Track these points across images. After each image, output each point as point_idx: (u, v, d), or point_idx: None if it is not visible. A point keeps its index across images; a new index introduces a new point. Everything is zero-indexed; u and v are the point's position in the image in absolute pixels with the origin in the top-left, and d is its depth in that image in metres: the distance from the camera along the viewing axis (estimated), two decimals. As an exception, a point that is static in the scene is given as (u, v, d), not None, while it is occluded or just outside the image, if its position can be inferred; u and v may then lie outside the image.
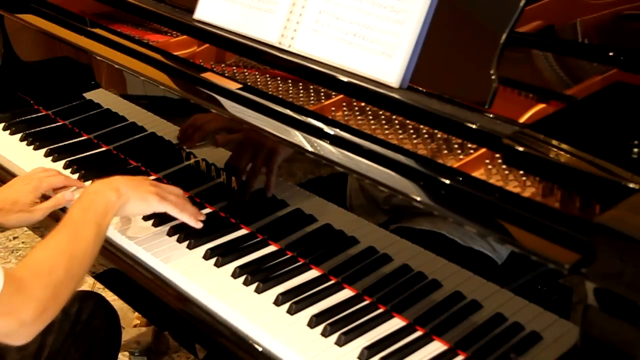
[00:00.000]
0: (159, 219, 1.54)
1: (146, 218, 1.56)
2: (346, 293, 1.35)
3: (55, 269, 1.24)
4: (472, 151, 1.22)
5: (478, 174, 1.17)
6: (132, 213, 1.44)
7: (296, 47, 1.46)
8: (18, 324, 1.18)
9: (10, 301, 1.15)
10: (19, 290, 1.17)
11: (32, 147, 1.89)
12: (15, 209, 1.51)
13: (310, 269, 1.41)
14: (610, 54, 1.38)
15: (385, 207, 1.31)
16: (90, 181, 1.69)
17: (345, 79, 1.38)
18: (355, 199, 1.35)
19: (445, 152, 1.24)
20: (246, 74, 1.56)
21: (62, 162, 1.81)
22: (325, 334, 1.25)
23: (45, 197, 1.59)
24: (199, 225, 1.47)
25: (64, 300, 1.25)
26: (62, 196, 1.56)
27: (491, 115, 1.22)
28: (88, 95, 1.94)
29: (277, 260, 1.43)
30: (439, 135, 1.28)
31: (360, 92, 1.37)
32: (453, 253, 1.21)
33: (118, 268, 1.50)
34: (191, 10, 1.65)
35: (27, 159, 1.84)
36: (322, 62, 1.42)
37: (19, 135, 1.94)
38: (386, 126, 1.34)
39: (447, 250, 1.22)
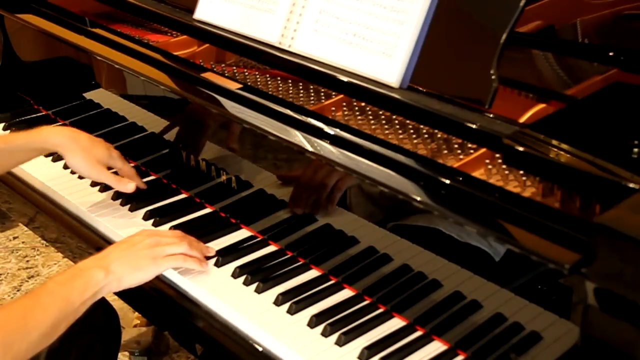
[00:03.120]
0: (160, 219, 1.55)
1: (146, 218, 1.57)
2: (346, 293, 1.35)
3: (3, 328, 1.15)
4: (472, 151, 1.22)
5: (478, 174, 1.17)
6: (132, 284, 1.33)
7: (296, 47, 1.46)
8: None
9: None
10: None
11: (32, 147, 1.88)
12: (84, 153, 1.54)
13: (310, 269, 1.41)
14: (610, 54, 1.38)
15: (381, 203, 1.31)
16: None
17: (345, 79, 1.38)
18: (355, 198, 1.35)
19: (445, 152, 1.24)
20: (246, 74, 1.56)
21: (62, 162, 1.80)
22: (325, 334, 1.25)
23: None
24: (206, 269, 1.41)
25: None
26: (125, 183, 1.57)
27: (491, 115, 1.22)
28: (88, 95, 1.94)
29: (277, 260, 1.43)
30: (439, 135, 1.28)
31: (360, 92, 1.37)
32: (450, 249, 1.21)
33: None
34: (191, 10, 1.65)
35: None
36: (322, 62, 1.42)
37: (19, 135, 1.94)
38: (386, 126, 1.34)
39: (444, 246, 1.21)
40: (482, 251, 1.16)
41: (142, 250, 1.35)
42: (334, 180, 1.35)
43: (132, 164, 1.79)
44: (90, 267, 1.29)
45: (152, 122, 1.76)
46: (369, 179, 1.25)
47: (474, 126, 1.21)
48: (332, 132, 1.33)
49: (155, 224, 1.54)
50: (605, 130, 1.18)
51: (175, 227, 1.51)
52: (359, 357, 1.21)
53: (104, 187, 1.67)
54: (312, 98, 1.45)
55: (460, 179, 1.16)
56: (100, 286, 1.27)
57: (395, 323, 1.27)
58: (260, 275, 1.38)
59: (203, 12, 1.63)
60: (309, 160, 1.37)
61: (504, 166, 1.17)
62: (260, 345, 1.26)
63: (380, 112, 1.37)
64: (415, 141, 1.29)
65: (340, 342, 1.23)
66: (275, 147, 1.44)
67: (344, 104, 1.41)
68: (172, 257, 1.37)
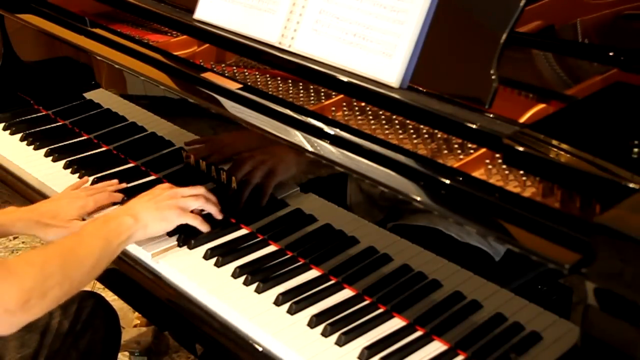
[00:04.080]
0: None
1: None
2: (346, 293, 1.35)
3: (49, 263, 1.24)
4: (472, 151, 1.22)
5: (478, 174, 1.17)
6: (155, 233, 1.44)
7: (296, 47, 1.46)
8: (1, 308, 1.17)
9: None
10: (7, 275, 1.18)
11: (32, 147, 1.89)
12: (53, 223, 1.51)
13: (311, 269, 1.41)
14: (610, 54, 1.38)
15: (382, 203, 1.31)
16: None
17: (345, 79, 1.38)
18: (354, 197, 1.35)
19: (445, 152, 1.24)
20: (246, 74, 1.56)
21: (62, 162, 1.81)
22: (325, 334, 1.25)
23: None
24: (220, 216, 1.51)
25: (53, 299, 1.24)
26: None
27: (491, 115, 1.22)
28: (88, 95, 1.94)
29: (277, 260, 1.43)
30: (439, 135, 1.28)
31: (361, 92, 1.37)
32: (450, 249, 1.21)
33: (118, 268, 1.50)
34: (191, 10, 1.65)
35: (27, 159, 1.84)
36: (322, 62, 1.42)
37: (19, 135, 1.94)
38: (386, 126, 1.34)
39: (444, 246, 1.22)
40: (482, 251, 1.16)
41: (164, 201, 1.44)
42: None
43: (132, 164, 1.79)
44: (120, 214, 1.41)
45: (152, 122, 1.76)
46: (369, 179, 1.25)
47: (474, 126, 1.21)
48: (332, 132, 1.33)
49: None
50: (605, 130, 1.18)
51: (175, 227, 1.51)
52: (359, 357, 1.21)
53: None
54: (312, 98, 1.45)
55: (460, 179, 1.16)
56: (131, 231, 1.38)
57: (395, 323, 1.27)
58: (260, 275, 1.38)
59: (203, 12, 1.63)
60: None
61: (504, 166, 1.16)
62: (260, 345, 1.26)
63: (380, 112, 1.37)
64: (415, 141, 1.29)
65: (340, 342, 1.23)
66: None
67: (344, 104, 1.41)
68: (191, 215, 1.46)
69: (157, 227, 1.43)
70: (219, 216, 1.50)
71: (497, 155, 1.19)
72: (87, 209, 1.56)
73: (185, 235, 1.49)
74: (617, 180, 1.02)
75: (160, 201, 1.45)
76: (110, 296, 1.73)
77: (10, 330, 1.22)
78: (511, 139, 1.13)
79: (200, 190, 1.50)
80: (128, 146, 1.83)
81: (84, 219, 1.55)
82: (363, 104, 1.39)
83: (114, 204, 1.62)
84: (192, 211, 1.48)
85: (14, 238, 3.06)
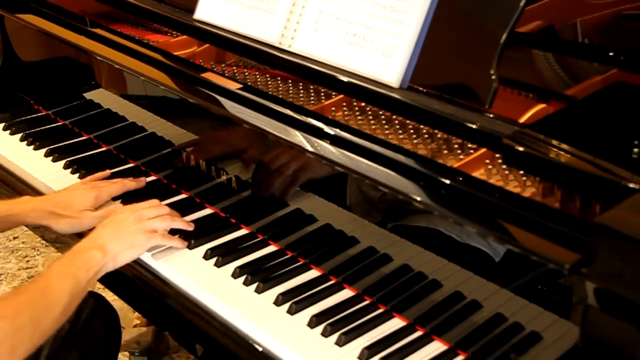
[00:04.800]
0: (159, 219, 1.55)
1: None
2: (346, 293, 1.35)
3: (19, 317, 1.19)
4: (472, 151, 1.22)
5: (478, 174, 1.17)
6: (125, 262, 1.39)
7: (296, 47, 1.46)
8: None
9: None
10: None
11: (32, 147, 1.89)
12: (66, 213, 1.49)
13: (311, 269, 1.41)
14: (610, 54, 1.38)
15: (381, 206, 1.31)
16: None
17: (345, 79, 1.38)
18: (354, 199, 1.35)
19: (445, 152, 1.24)
20: (246, 74, 1.56)
21: (62, 162, 1.81)
22: (325, 334, 1.25)
23: None
24: (191, 227, 1.48)
25: (23, 352, 1.18)
26: (113, 208, 1.54)
27: (491, 115, 1.22)
28: (88, 95, 1.94)
29: (277, 260, 1.43)
30: (439, 135, 1.28)
31: (360, 92, 1.37)
32: (450, 250, 1.21)
33: (118, 269, 1.50)
34: (191, 10, 1.65)
35: (27, 159, 1.84)
36: (322, 62, 1.42)
37: (19, 135, 1.94)
38: (386, 126, 1.34)
39: (444, 247, 1.22)
40: (482, 251, 1.16)
41: (129, 227, 1.40)
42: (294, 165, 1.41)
43: (132, 164, 1.79)
44: (87, 248, 1.34)
45: (152, 122, 1.76)
46: (369, 179, 1.25)
47: (474, 126, 1.21)
48: (332, 132, 1.33)
49: (155, 224, 1.54)
50: (605, 130, 1.18)
51: (175, 227, 1.51)
52: (359, 357, 1.21)
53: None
54: (312, 98, 1.45)
55: (460, 179, 1.16)
56: (100, 265, 1.33)
57: (395, 323, 1.27)
58: (260, 275, 1.38)
59: (203, 12, 1.63)
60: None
61: (504, 166, 1.16)
62: (260, 345, 1.26)
63: (380, 112, 1.37)
64: (415, 141, 1.29)
65: (340, 342, 1.23)
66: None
67: (344, 104, 1.41)
68: (159, 236, 1.43)
69: (126, 256, 1.38)
70: (189, 228, 1.47)
71: (497, 155, 1.18)
72: (100, 200, 1.55)
73: (185, 235, 1.48)
74: (617, 180, 1.02)
75: (125, 227, 1.39)
76: (110, 296, 1.73)
77: None
78: (511, 139, 1.13)
79: (164, 208, 1.47)
80: (128, 146, 1.83)
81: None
82: (363, 104, 1.39)
83: (125, 199, 1.61)
84: None
85: (14, 238, 3.06)
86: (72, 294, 1.27)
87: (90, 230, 1.45)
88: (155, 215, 1.45)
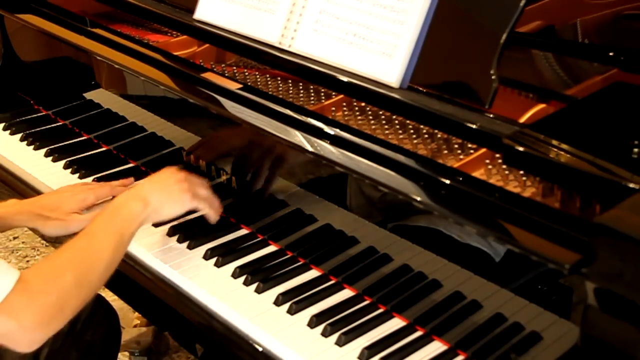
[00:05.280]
0: (159, 219, 1.55)
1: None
2: (346, 293, 1.35)
3: (63, 276, 1.21)
4: (472, 151, 1.22)
5: (478, 174, 1.17)
6: (167, 217, 1.41)
7: (296, 47, 1.46)
8: (18, 326, 1.16)
9: (14, 302, 1.14)
10: (23, 292, 1.15)
11: (32, 147, 1.89)
12: (53, 215, 1.48)
13: (310, 269, 1.41)
14: (610, 54, 1.38)
15: (381, 206, 1.31)
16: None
17: (345, 79, 1.38)
18: (355, 199, 1.35)
19: (445, 152, 1.24)
20: (246, 74, 1.56)
21: (62, 162, 1.81)
22: (325, 334, 1.25)
23: None
24: (216, 220, 1.47)
25: (71, 310, 1.22)
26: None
27: (491, 115, 1.22)
28: (88, 95, 1.94)
29: (277, 260, 1.43)
30: (439, 135, 1.28)
31: (361, 92, 1.37)
32: (451, 250, 1.21)
33: (118, 268, 1.50)
34: (191, 10, 1.65)
35: (27, 159, 1.84)
36: (322, 62, 1.42)
37: (19, 135, 1.94)
38: (386, 126, 1.34)
39: (444, 247, 1.22)
40: (482, 251, 1.16)
41: (175, 185, 1.40)
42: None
43: (132, 164, 1.79)
44: (129, 200, 1.36)
45: (152, 122, 1.76)
46: (369, 179, 1.25)
47: (474, 126, 1.21)
48: (332, 132, 1.33)
49: (156, 226, 1.54)
50: (605, 131, 1.18)
51: (175, 227, 1.51)
52: (359, 357, 1.21)
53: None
54: (312, 98, 1.45)
55: (460, 179, 1.16)
56: (142, 217, 1.34)
57: (395, 323, 1.27)
58: (260, 275, 1.38)
59: (203, 12, 1.63)
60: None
61: (504, 166, 1.16)
62: (260, 345, 1.26)
63: (380, 112, 1.37)
64: (415, 141, 1.29)
65: (340, 342, 1.23)
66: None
67: (344, 104, 1.41)
68: (203, 199, 1.42)
69: (168, 211, 1.39)
70: (215, 218, 1.46)
71: (497, 155, 1.19)
72: (87, 202, 1.54)
73: (185, 235, 1.49)
74: (617, 180, 1.02)
75: (171, 184, 1.40)
76: (110, 296, 1.73)
77: (31, 347, 1.20)
78: (511, 139, 1.13)
79: (206, 181, 1.48)
80: (128, 146, 1.83)
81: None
82: (363, 104, 1.39)
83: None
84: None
85: (14, 238, 3.06)
86: (115, 249, 1.29)
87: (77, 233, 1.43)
88: (199, 183, 1.44)
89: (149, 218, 1.36)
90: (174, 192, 1.39)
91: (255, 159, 1.49)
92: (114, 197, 1.58)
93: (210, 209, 1.44)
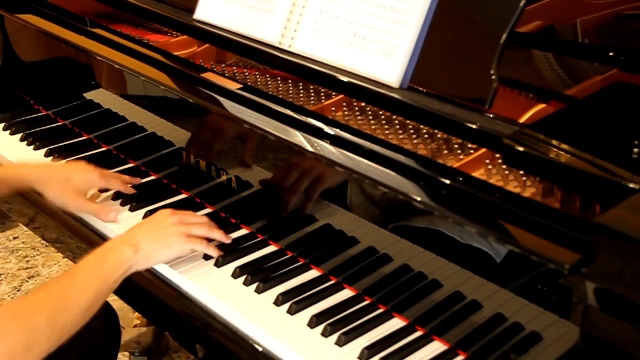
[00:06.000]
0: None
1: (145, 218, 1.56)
2: (346, 293, 1.35)
3: (36, 315, 1.17)
4: (472, 151, 1.22)
5: (478, 174, 1.17)
6: (158, 262, 1.37)
7: (296, 47, 1.46)
8: None
9: None
10: None
11: (32, 147, 1.89)
12: (62, 185, 1.49)
13: (310, 269, 1.41)
14: (610, 54, 1.38)
15: (383, 205, 1.31)
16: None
17: (345, 79, 1.38)
18: (355, 198, 1.35)
19: (445, 152, 1.24)
20: (246, 74, 1.56)
21: (62, 162, 1.81)
22: (325, 334, 1.25)
23: None
24: (229, 240, 1.45)
25: (41, 351, 1.16)
26: (106, 213, 1.53)
27: (491, 115, 1.22)
28: (88, 95, 1.94)
29: (277, 260, 1.43)
30: (439, 135, 1.28)
31: (360, 92, 1.37)
32: (451, 251, 1.21)
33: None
34: (191, 10, 1.65)
35: (28, 159, 1.84)
36: (322, 62, 1.42)
37: (19, 135, 1.94)
38: (386, 126, 1.34)
39: (445, 248, 1.22)
40: (482, 251, 1.16)
41: (167, 228, 1.37)
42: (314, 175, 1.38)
43: (132, 164, 1.79)
44: (119, 245, 1.33)
45: (152, 122, 1.76)
46: (369, 179, 1.25)
47: (474, 126, 1.21)
48: (332, 132, 1.33)
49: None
50: (605, 130, 1.18)
51: (212, 237, 1.50)
52: (359, 357, 1.21)
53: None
54: (312, 98, 1.45)
55: (460, 179, 1.16)
56: (130, 263, 1.31)
57: (395, 323, 1.27)
58: (260, 275, 1.38)
59: (203, 12, 1.63)
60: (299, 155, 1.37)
61: (504, 166, 1.16)
62: (260, 346, 1.26)
63: (380, 112, 1.37)
64: (415, 141, 1.29)
65: (340, 342, 1.23)
66: (275, 147, 1.44)
67: (344, 104, 1.41)
68: (197, 240, 1.39)
69: (160, 256, 1.36)
70: (227, 240, 1.44)
71: (497, 155, 1.18)
72: (95, 184, 1.56)
73: (185, 235, 1.49)
74: (617, 180, 1.02)
75: (163, 228, 1.38)
76: (110, 296, 1.73)
77: None
78: (511, 139, 1.13)
79: (203, 217, 1.46)
80: (128, 146, 1.83)
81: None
82: (363, 104, 1.39)
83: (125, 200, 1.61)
84: None
85: (14, 238, 3.06)
86: (98, 293, 1.26)
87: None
88: (195, 222, 1.42)
89: (138, 264, 1.33)
90: (166, 238, 1.37)
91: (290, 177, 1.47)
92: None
93: (207, 247, 1.40)
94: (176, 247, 1.38)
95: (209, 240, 1.43)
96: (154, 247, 1.35)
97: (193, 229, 1.40)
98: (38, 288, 1.25)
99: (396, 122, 1.34)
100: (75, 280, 1.26)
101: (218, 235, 1.43)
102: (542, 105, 1.27)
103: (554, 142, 1.11)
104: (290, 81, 1.51)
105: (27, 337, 1.15)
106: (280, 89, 1.49)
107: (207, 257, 1.44)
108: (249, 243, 1.48)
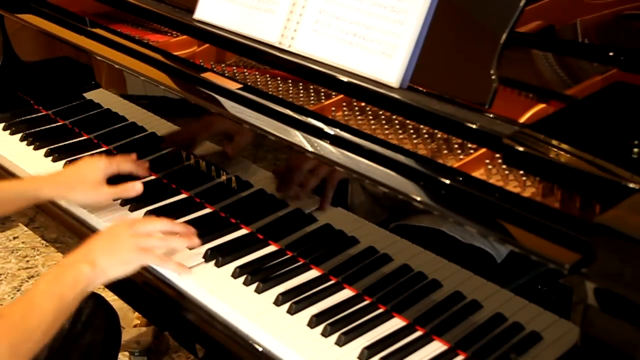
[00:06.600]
0: (159, 219, 1.55)
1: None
2: (346, 293, 1.35)
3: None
4: (472, 151, 1.22)
5: (478, 174, 1.17)
6: (116, 277, 1.35)
7: (296, 47, 1.46)
8: None
9: None
10: None
11: (32, 147, 1.89)
12: (81, 185, 1.51)
13: (310, 269, 1.41)
14: (610, 54, 1.38)
15: (385, 203, 1.31)
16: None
17: (345, 79, 1.38)
18: (356, 197, 1.35)
19: (445, 152, 1.24)
20: (246, 74, 1.56)
21: (62, 162, 1.81)
22: (325, 334, 1.25)
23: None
24: (197, 243, 1.44)
25: None
26: (132, 186, 1.54)
27: (491, 115, 1.22)
28: (88, 95, 1.94)
29: (277, 260, 1.43)
30: (439, 135, 1.28)
31: (360, 92, 1.37)
32: (453, 250, 1.21)
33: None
34: (191, 10, 1.65)
35: (27, 159, 1.84)
36: (322, 62, 1.42)
37: (19, 135, 1.94)
38: (386, 126, 1.34)
39: (446, 247, 1.22)
40: (482, 251, 1.16)
41: (124, 242, 1.36)
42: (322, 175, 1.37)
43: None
44: (76, 262, 1.31)
45: (152, 122, 1.76)
46: (369, 179, 1.25)
47: (474, 126, 1.21)
48: (332, 132, 1.33)
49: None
50: (605, 130, 1.18)
51: (172, 246, 1.48)
52: (359, 357, 1.21)
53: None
54: (312, 98, 1.45)
55: (460, 179, 1.16)
56: (89, 280, 1.29)
57: (395, 323, 1.27)
58: (260, 275, 1.38)
59: (203, 12, 1.63)
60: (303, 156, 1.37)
61: (504, 166, 1.16)
62: (260, 345, 1.26)
63: (380, 112, 1.37)
64: (415, 141, 1.29)
65: (340, 342, 1.23)
66: (275, 147, 1.44)
67: (344, 104, 1.41)
68: (154, 255, 1.38)
69: (117, 272, 1.34)
70: (193, 244, 1.43)
71: (497, 155, 1.18)
72: (109, 170, 1.56)
73: (185, 235, 1.49)
74: (617, 180, 1.02)
75: (119, 242, 1.35)
76: (110, 296, 1.73)
77: None
78: (511, 139, 1.13)
79: (164, 224, 1.42)
80: (128, 146, 1.83)
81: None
82: (363, 104, 1.39)
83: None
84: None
85: (14, 238, 3.06)
86: (57, 313, 1.25)
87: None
88: (152, 231, 1.40)
89: (96, 281, 1.31)
90: (122, 253, 1.35)
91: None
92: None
93: (163, 262, 1.38)
94: (133, 262, 1.35)
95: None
96: (111, 263, 1.33)
97: (150, 241, 1.38)
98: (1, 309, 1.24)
99: (396, 122, 1.34)
100: (33, 302, 1.24)
101: (177, 243, 1.42)
102: (542, 105, 1.27)
103: (554, 142, 1.11)
104: (290, 81, 1.51)
105: None
106: (280, 89, 1.49)
107: (207, 257, 1.44)
108: (249, 243, 1.48)
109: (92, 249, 1.34)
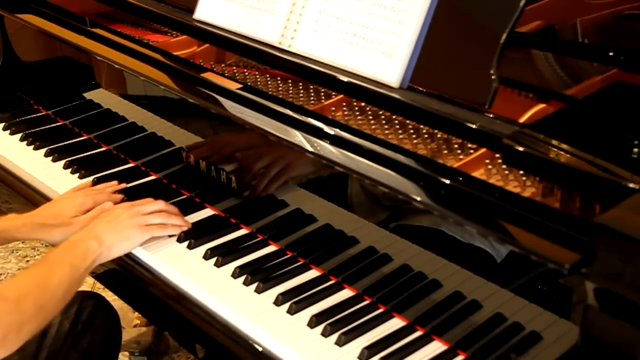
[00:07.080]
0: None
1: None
2: (346, 293, 1.35)
3: (24, 298, 1.23)
4: (472, 151, 1.22)
5: (478, 174, 1.17)
6: (119, 254, 1.44)
7: (296, 47, 1.46)
8: None
9: None
10: None
11: (32, 147, 1.89)
12: (56, 222, 1.51)
13: (310, 269, 1.41)
14: (610, 54, 1.38)
15: (385, 202, 1.31)
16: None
17: (345, 79, 1.38)
18: (356, 197, 1.35)
19: (445, 152, 1.24)
20: (246, 74, 1.56)
21: (62, 162, 1.81)
22: (325, 334, 1.25)
23: None
24: (188, 225, 1.51)
25: (28, 333, 1.23)
26: (101, 207, 1.55)
27: (491, 115, 1.22)
28: (88, 95, 1.94)
29: (277, 260, 1.43)
30: (439, 135, 1.28)
31: (360, 92, 1.37)
32: (453, 250, 1.21)
33: (118, 268, 1.50)
34: (191, 10, 1.65)
35: (27, 159, 1.84)
36: (322, 62, 1.42)
37: (19, 135, 1.94)
38: (386, 126, 1.34)
39: (446, 247, 1.22)
40: (482, 251, 1.16)
41: (126, 220, 1.45)
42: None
43: (132, 164, 1.79)
44: (84, 238, 1.39)
45: (152, 122, 1.76)
46: (369, 179, 1.25)
47: (474, 126, 1.21)
48: (332, 132, 1.33)
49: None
50: (605, 130, 1.18)
51: (170, 223, 1.51)
52: (359, 357, 1.21)
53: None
54: (312, 98, 1.45)
55: (460, 179, 1.16)
56: (96, 254, 1.38)
57: (395, 323, 1.27)
58: (260, 275, 1.38)
59: (203, 12, 1.63)
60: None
61: (504, 166, 1.16)
62: (260, 345, 1.26)
63: (380, 112, 1.37)
64: (415, 141, 1.29)
65: (340, 342, 1.23)
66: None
67: (344, 104, 1.41)
68: (155, 227, 1.47)
69: (120, 248, 1.43)
70: (185, 226, 1.50)
71: (497, 155, 1.18)
72: (86, 206, 1.55)
73: (185, 235, 1.49)
74: (617, 180, 1.02)
75: (121, 221, 1.45)
76: (110, 296, 1.73)
77: None
78: (511, 139, 1.13)
79: (160, 204, 1.51)
80: (128, 146, 1.83)
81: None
82: (363, 104, 1.39)
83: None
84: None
85: (14, 238, 3.06)
86: (71, 280, 1.32)
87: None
88: (151, 210, 1.49)
89: (102, 256, 1.39)
90: (125, 231, 1.44)
91: (258, 161, 1.48)
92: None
93: (165, 229, 1.48)
94: (135, 238, 1.45)
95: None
96: (115, 240, 1.42)
97: (150, 218, 1.47)
98: (18, 276, 1.34)
99: (396, 122, 1.34)
100: (51, 268, 1.33)
101: (176, 220, 1.50)
102: (542, 105, 1.27)
103: (554, 142, 1.11)
104: (290, 81, 1.51)
105: (18, 318, 1.21)
106: (280, 89, 1.49)
107: (207, 256, 1.44)
108: (249, 243, 1.48)
109: (96, 227, 1.43)
